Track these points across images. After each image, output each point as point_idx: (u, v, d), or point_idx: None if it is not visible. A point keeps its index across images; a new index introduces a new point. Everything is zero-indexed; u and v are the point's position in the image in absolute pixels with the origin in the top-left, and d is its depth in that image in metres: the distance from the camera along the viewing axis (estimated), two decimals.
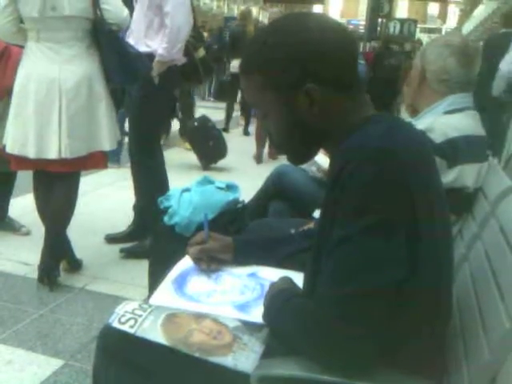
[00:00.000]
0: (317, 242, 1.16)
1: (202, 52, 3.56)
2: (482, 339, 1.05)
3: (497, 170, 1.76)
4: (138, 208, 3.55)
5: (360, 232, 1.00)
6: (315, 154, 1.25)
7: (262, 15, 26.70)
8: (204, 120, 5.91)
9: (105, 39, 2.74)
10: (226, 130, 8.90)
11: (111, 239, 3.53)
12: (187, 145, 6.21)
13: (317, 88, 1.10)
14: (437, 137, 1.81)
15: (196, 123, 5.95)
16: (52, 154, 2.69)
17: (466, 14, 32.09)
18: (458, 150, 1.81)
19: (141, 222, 3.49)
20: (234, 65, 7.47)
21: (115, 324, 1.22)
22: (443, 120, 1.89)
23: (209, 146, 5.73)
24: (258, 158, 6.30)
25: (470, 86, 1.99)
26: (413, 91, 2.09)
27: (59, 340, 2.39)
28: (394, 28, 17.90)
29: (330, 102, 1.12)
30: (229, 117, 8.87)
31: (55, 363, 2.22)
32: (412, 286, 1.03)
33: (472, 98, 1.99)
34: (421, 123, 1.88)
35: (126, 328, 1.20)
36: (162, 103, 3.40)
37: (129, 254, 3.35)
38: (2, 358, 2.24)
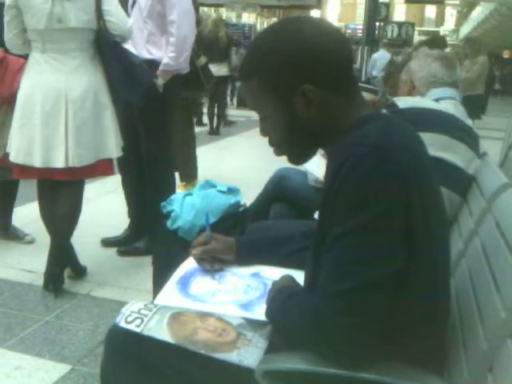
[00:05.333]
0: (317, 238, 1.19)
1: (203, 60, 3.60)
2: (479, 329, 1.08)
3: (493, 167, 1.80)
4: (134, 214, 3.64)
5: (357, 227, 1.03)
6: (314, 153, 1.28)
7: (260, 22, 26.78)
8: None
9: (108, 49, 2.79)
10: (216, 132, 8.92)
11: (107, 243, 3.59)
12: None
13: (313, 89, 1.13)
14: (402, 104, 1.87)
15: None
16: (59, 163, 2.73)
17: (463, 16, 32.19)
18: (419, 116, 1.84)
19: (137, 224, 3.58)
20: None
21: (122, 324, 1.24)
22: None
23: None
24: None
25: (456, 85, 2.12)
26: None
27: (66, 345, 2.42)
28: (391, 31, 18.00)
29: (327, 102, 1.16)
30: (220, 118, 8.89)
31: (62, 368, 2.25)
32: (408, 277, 1.06)
33: (457, 93, 2.11)
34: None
35: (132, 327, 1.23)
36: (166, 111, 3.43)
37: (124, 253, 3.47)
38: (10, 363, 2.26)
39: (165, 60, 3.22)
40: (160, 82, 3.22)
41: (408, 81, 2.25)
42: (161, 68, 3.23)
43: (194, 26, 3.35)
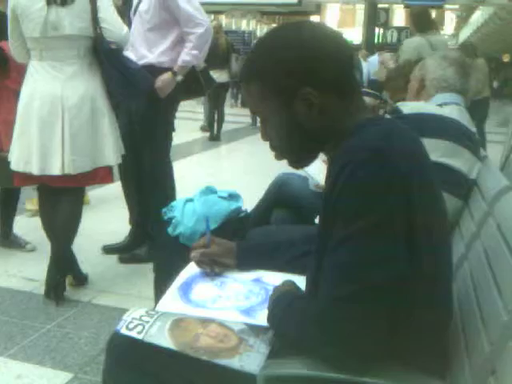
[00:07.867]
0: (318, 243, 1.19)
1: (202, 64, 3.61)
2: (482, 333, 1.07)
3: (493, 170, 1.79)
4: (136, 220, 3.64)
5: (359, 231, 1.03)
6: (315, 157, 1.28)
7: (260, 28, 26.79)
8: None
9: (105, 56, 2.79)
10: (216, 138, 8.90)
11: (108, 250, 3.60)
12: None
13: (314, 92, 1.13)
14: (406, 110, 1.87)
15: None
16: (55, 170, 2.73)
17: (462, 20, 32.24)
18: (424, 122, 1.84)
19: (140, 231, 3.58)
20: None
21: (123, 330, 1.24)
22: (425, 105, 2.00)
23: None
24: None
25: (465, 93, 2.10)
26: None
27: (68, 353, 2.41)
28: (391, 36, 17.99)
29: (328, 105, 1.16)
30: (220, 122, 8.89)
31: (64, 376, 2.24)
32: (410, 281, 1.05)
33: (463, 100, 2.09)
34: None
35: (133, 334, 1.22)
36: (165, 117, 3.44)
37: (126, 260, 3.48)
38: (12, 372, 2.26)
39: (186, 57, 3.25)
40: (179, 78, 3.28)
41: (420, 78, 2.22)
42: (180, 64, 3.27)
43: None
